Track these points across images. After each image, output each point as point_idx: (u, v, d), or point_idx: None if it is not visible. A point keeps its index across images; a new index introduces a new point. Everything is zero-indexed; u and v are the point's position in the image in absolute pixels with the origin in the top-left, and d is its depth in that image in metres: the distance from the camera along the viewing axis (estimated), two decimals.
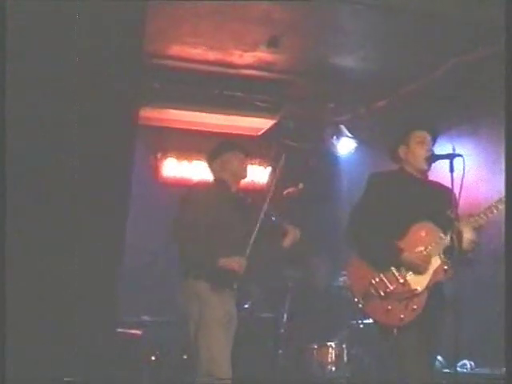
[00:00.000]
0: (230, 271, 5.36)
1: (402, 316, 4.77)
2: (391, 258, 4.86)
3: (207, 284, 5.38)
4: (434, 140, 5.18)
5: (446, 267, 4.83)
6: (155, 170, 9.35)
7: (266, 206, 5.57)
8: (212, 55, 7.75)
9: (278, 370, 7.27)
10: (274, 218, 5.67)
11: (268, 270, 6.85)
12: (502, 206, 4.77)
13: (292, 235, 5.74)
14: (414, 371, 4.76)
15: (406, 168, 5.15)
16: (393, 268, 4.85)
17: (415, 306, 4.77)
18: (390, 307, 4.81)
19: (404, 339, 4.78)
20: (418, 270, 4.82)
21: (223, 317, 5.40)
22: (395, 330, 4.79)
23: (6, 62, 4.15)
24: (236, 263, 5.38)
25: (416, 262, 4.82)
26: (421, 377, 4.76)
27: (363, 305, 4.92)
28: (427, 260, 4.83)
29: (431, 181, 5.21)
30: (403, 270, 4.83)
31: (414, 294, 4.79)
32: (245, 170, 5.79)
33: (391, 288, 4.83)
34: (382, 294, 4.84)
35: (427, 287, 4.81)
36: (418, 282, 4.81)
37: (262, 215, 5.53)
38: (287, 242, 5.73)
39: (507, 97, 4.39)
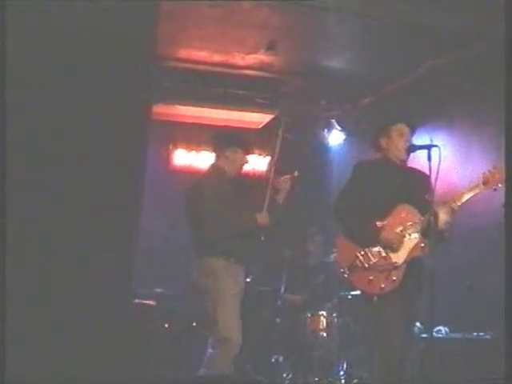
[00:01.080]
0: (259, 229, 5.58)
1: (382, 286, 4.82)
2: (370, 237, 4.90)
3: (222, 261, 5.42)
4: (413, 132, 5.18)
5: (422, 245, 4.86)
6: (167, 159, 9.38)
7: (272, 176, 5.73)
8: (217, 57, 7.77)
9: (276, 337, 7.31)
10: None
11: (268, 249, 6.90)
12: (473, 193, 4.80)
13: (282, 187, 5.83)
14: (393, 335, 4.79)
15: (388, 157, 5.16)
16: (374, 244, 4.89)
17: (394, 278, 4.82)
18: (371, 277, 4.86)
19: (384, 306, 4.82)
20: (393, 248, 4.86)
21: (237, 291, 5.50)
22: (375, 298, 4.83)
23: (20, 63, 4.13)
24: (264, 219, 5.58)
25: (392, 240, 4.85)
26: (399, 340, 4.79)
27: (348, 275, 4.97)
28: (401, 239, 4.86)
29: (411, 168, 5.22)
30: (383, 247, 4.87)
31: (393, 266, 4.84)
32: (242, 164, 5.84)
33: (374, 261, 4.88)
34: (366, 265, 4.89)
35: (406, 261, 4.85)
36: (398, 257, 4.85)
37: (270, 187, 5.63)
38: (280, 196, 5.83)
39: (507, 96, 4.37)
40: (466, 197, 4.83)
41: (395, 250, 4.87)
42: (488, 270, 6.34)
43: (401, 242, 4.87)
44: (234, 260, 5.49)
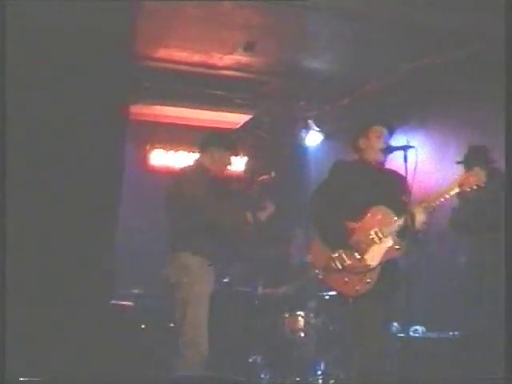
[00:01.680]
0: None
1: (357, 288, 4.84)
2: (342, 238, 4.93)
3: (197, 258, 5.41)
4: (391, 134, 5.21)
5: (397, 246, 4.88)
6: (144, 159, 9.38)
7: (257, 186, 5.78)
8: (195, 58, 7.77)
9: (254, 337, 7.32)
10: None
11: (246, 248, 6.92)
12: (449, 194, 4.85)
13: (269, 210, 5.83)
14: (370, 336, 4.83)
15: (365, 158, 5.19)
16: (347, 246, 4.93)
17: (369, 280, 4.83)
18: (347, 279, 4.89)
19: (360, 308, 4.85)
20: (362, 250, 4.89)
21: (210, 291, 5.44)
22: (350, 300, 4.87)
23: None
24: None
25: (361, 242, 4.89)
26: (375, 341, 4.83)
27: (324, 276, 5.00)
28: (371, 241, 4.88)
29: (388, 169, 5.25)
30: (355, 249, 4.91)
31: (368, 268, 4.85)
32: (227, 165, 5.85)
33: (348, 262, 4.90)
34: (341, 267, 4.91)
35: (380, 263, 4.86)
36: (372, 259, 4.87)
37: (255, 192, 5.68)
38: (264, 215, 5.80)
39: (507, 96, 4.41)
40: (442, 198, 4.87)
41: (364, 252, 4.90)
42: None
43: (370, 245, 4.89)
44: (207, 258, 5.47)
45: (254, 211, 5.74)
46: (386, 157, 5.16)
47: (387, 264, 4.88)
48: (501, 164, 5.91)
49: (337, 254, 4.93)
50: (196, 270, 5.40)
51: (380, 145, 5.12)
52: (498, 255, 5.89)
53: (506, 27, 4.45)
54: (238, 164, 9.50)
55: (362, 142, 5.20)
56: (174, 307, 5.47)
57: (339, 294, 5.02)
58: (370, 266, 4.85)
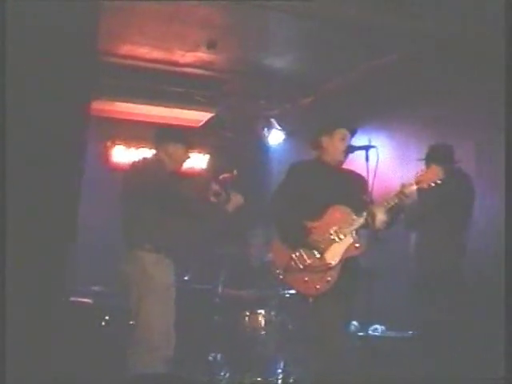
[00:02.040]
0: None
1: (317, 287, 4.87)
2: (300, 238, 4.96)
3: (153, 256, 5.38)
4: (353, 135, 5.26)
5: (357, 245, 4.92)
6: (105, 156, 9.33)
7: (214, 183, 5.73)
8: (157, 54, 7.75)
9: (215, 335, 7.31)
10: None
11: (206, 246, 6.90)
12: (409, 191, 4.88)
13: (236, 200, 5.81)
14: (330, 334, 4.86)
15: (324, 157, 5.23)
16: (307, 245, 4.94)
17: (329, 278, 4.87)
18: (307, 278, 4.92)
19: (320, 307, 4.88)
20: (320, 249, 4.91)
21: (166, 290, 5.41)
22: (311, 299, 4.89)
23: None
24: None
25: (319, 241, 4.92)
26: (335, 339, 4.85)
27: (284, 276, 5.02)
28: (330, 240, 4.92)
29: (347, 169, 5.31)
30: (315, 248, 4.92)
31: (328, 267, 4.88)
32: (183, 160, 5.84)
33: (309, 262, 4.93)
34: (301, 266, 4.94)
35: (340, 261, 4.89)
36: (333, 257, 4.90)
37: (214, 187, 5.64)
38: (231, 206, 5.78)
39: (507, 96, 4.45)
40: (401, 196, 4.89)
41: (324, 251, 4.92)
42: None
43: (330, 243, 4.92)
44: (164, 254, 5.44)
45: (221, 203, 5.74)
46: (346, 157, 5.20)
47: (347, 262, 4.92)
48: (465, 163, 6.02)
49: (297, 254, 4.96)
50: (152, 266, 5.38)
51: (342, 147, 5.16)
52: (457, 252, 5.99)
53: (506, 27, 4.49)
54: (200, 162, 9.53)
55: (324, 141, 5.23)
56: (132, 304, 5.45)
57: (300, 293, 5.04)
58: (330, 264, 4.88)
